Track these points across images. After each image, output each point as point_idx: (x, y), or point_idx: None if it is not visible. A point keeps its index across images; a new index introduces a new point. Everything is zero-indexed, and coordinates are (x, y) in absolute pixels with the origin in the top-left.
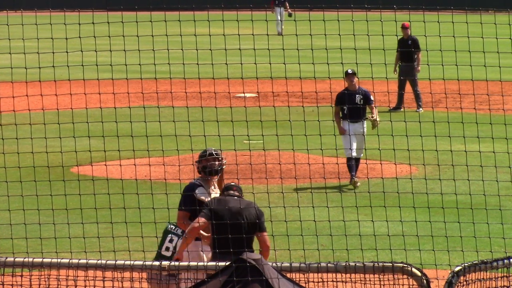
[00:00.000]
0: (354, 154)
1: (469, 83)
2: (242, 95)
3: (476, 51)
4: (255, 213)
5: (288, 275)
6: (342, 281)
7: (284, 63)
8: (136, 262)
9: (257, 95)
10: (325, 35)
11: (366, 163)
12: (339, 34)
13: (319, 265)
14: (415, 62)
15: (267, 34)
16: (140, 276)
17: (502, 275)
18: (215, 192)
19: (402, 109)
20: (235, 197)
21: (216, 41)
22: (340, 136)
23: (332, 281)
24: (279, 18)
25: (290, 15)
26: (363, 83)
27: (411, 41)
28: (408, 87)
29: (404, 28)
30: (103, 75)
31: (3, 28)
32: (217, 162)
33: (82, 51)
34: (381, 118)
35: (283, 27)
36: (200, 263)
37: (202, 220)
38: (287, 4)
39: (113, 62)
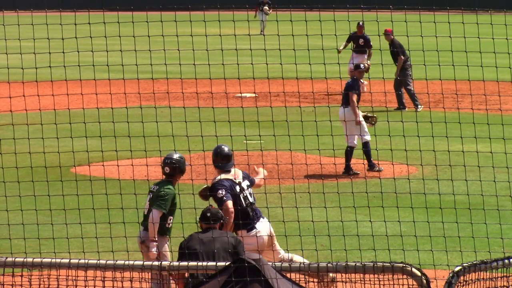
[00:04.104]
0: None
1: (467, 83)
2: (243, 95)
3: (472, 51)
4: (230, 241)
5: (288, 275)
6: (342, 281)
7: (280, 64)
8: (136, 262)
9: (256, 95)
10: (322, 35)
11: (363, 163)
12: (335, 35)
13: (319, 265)
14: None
15: (263, 34)
16: (140, 276)
17: (502, 275)
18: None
19: (406, 109)
20: (210, 230)
21: (212, 41)
22: (354, 123)
23: (332, 281)
24: (262, 19)
25: (266, 14)
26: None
27: (393, 46)
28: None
29: (386, 33)
30: (100, 75)
31: None
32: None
33: (78, 51)
34: (379, 118)
35: (264, 27)
36: (200, 263)
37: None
38: (268, 6)
39: (109, 62)
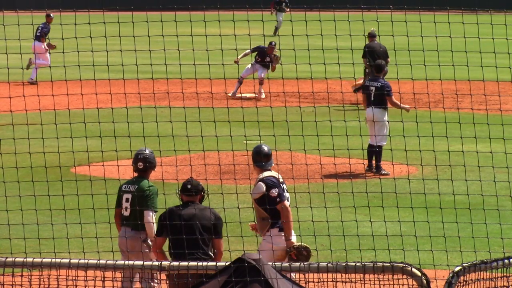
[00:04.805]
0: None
1: (467, 83)
2: (243, 95)
3: (472, 51)
4: (210, 217)
5: (287, 275)
6: (342, 281)
7: (280, 64)
8: (136, 262)
9: (256, 96)
10: (322, 35)
11: (364, 164)
12: (335, 35)
13: (319, 265)
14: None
15: (264, 35)
16: (140, 276)
17: (502, 275)
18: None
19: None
20: (190, 204)
21: (212, 41)
22: (383, 123)
23: (332, 281)
24: (280, 19)
25: (284, 11)
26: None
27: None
28: (404, 86)
29: (370, 36)
30: (100, 75)
31: None
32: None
33: (78, 51)
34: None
35: (279, 28)
36: (200, 263)
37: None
38: (286, 5)
39: (109, 62)
